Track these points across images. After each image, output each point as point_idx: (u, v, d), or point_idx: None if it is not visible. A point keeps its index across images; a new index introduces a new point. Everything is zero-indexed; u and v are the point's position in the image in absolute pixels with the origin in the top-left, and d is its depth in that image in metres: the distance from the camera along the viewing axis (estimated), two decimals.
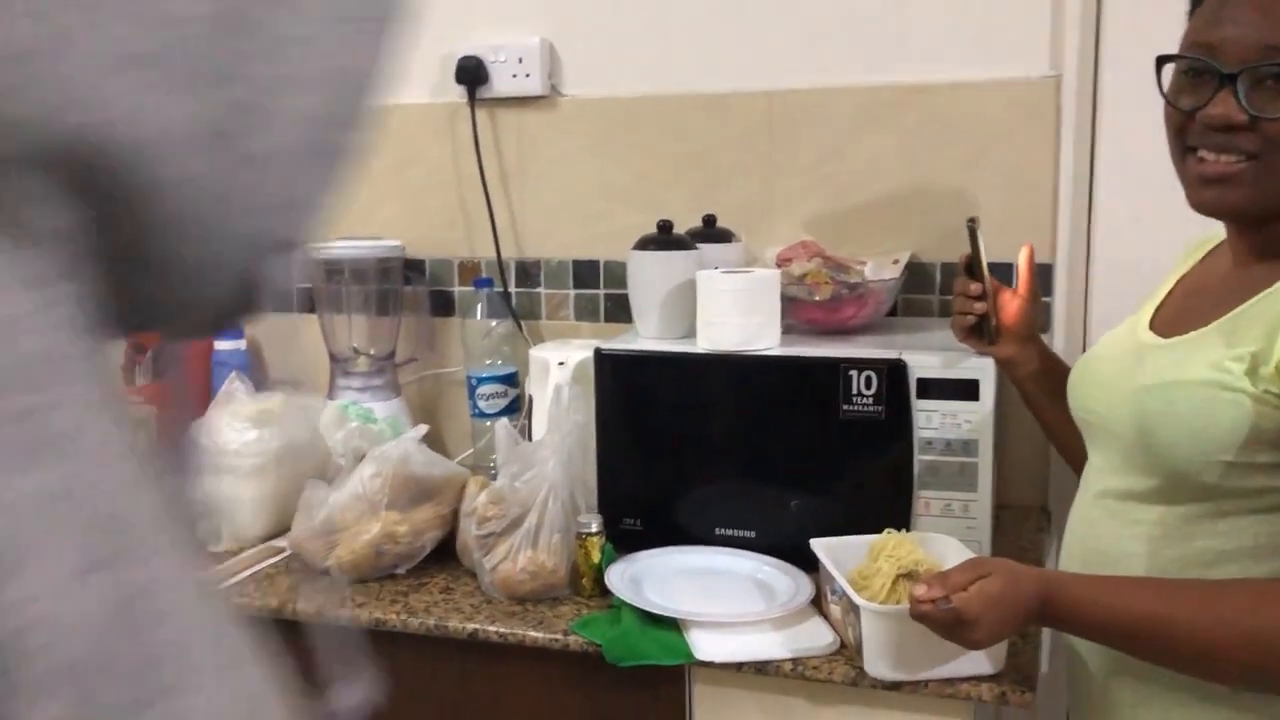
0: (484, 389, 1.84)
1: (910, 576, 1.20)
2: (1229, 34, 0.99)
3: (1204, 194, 1.03)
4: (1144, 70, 1.10)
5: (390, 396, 1.87)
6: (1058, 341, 1.64)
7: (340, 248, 1.85)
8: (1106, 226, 1.63)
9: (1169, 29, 1.08)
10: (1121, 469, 1.10)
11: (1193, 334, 1.06)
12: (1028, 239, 1.65)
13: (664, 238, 1.57)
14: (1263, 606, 0.94)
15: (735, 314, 1.45)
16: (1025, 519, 1.66)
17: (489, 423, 1.78)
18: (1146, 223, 1.55)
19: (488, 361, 1.84)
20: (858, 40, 1.74)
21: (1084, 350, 1.56)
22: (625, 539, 1.48)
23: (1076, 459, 1.26)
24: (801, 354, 1.44)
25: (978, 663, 1.17)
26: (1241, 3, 0.99)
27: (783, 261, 1.62)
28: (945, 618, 1.04)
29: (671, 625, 1.30)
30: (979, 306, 1.33)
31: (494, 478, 1.52)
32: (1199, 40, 1.02)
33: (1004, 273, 1.44)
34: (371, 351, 1.88)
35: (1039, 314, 1.38)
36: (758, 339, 1.46)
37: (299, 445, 1.64)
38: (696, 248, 1.58)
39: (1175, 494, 1.04)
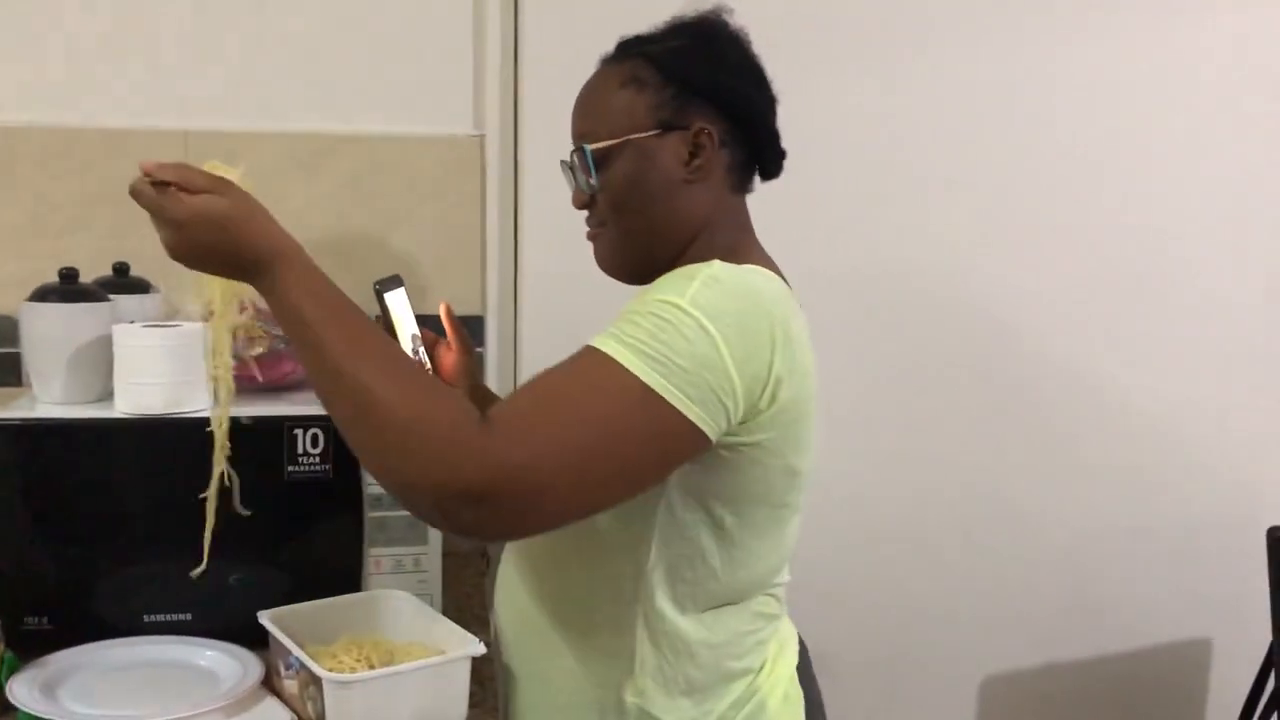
0: None
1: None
2: (570, 129, 1.16)
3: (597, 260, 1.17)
4: (561, 130, 1.18)
5: None
6: (491, 388, 1.70)
7: None
8: (533, 279, 1.72)
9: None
10: None
11: None
12: (459, 292, 1.71)
13: (68, 288, 1.37)
14: (378, 372, 0.89)
15: (161, 373, 1.31)
16: (466, 565, 1.69)
17: None
18: (572, 275, 1.66)
19: None
20: (281, 83, 1.68)
21: None
22: (30, 641, 1.26)
23: None
24: (240, 414, 1.34)
25: (441, 717, 1.16)
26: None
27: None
28: (150, 204, 0.95)
29: None
30: None
31: None
32: None
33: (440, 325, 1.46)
34: None
35: (475, 363, 1.42)
36: (188, 400, 1.33)
37: None
38: (109, 299, 1.41)
39: None
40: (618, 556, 1.06)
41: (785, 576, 1.16)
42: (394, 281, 1.35)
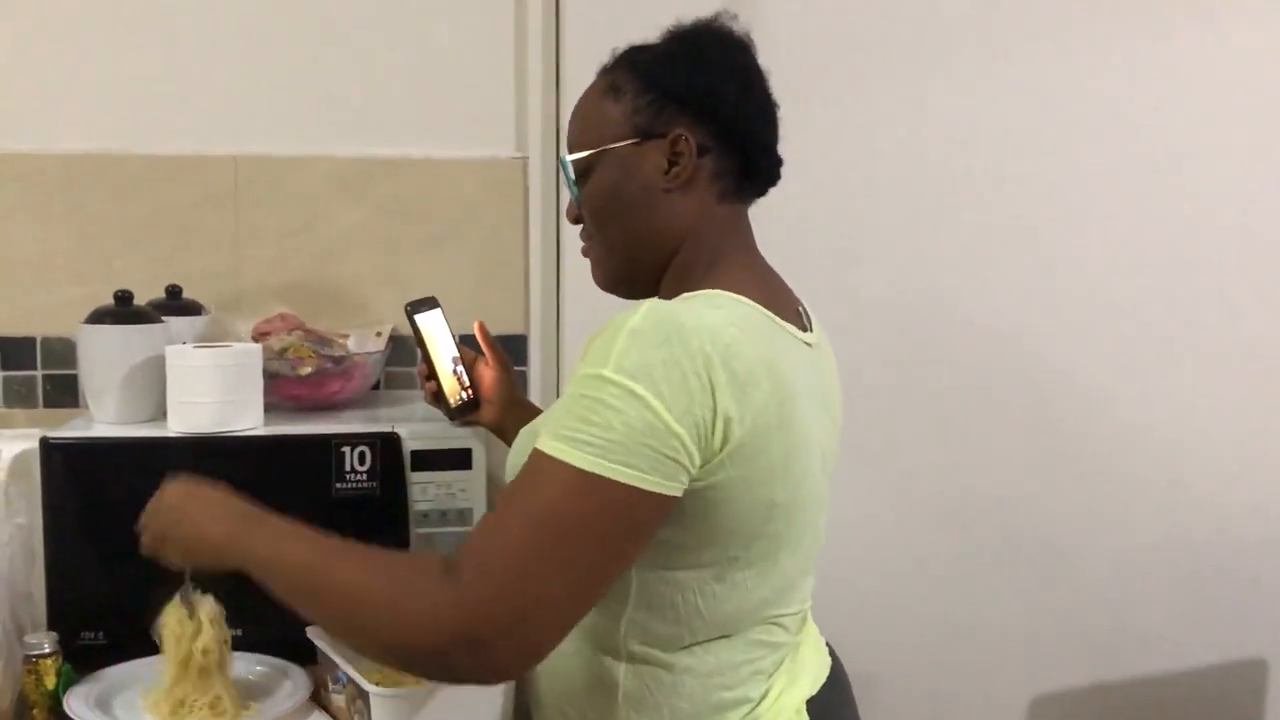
0: None
1: None
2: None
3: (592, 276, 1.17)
4: None
5: None
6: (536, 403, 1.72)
7: None
8: (574, 298, 1.74)
9: None
10: None
11: None
12: (503, 312, 1.73)
13: (122, 310, 1.41)
14: (342, 565, 0.94)
15: (212, 393, 1.34)
16: None
17: None
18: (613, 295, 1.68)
19: None
20: (326, 110, 1.71)
21: None
22: (86, 656, 1.29)
23: None
24: (289, 432, 1.37)
25: None
26: None
27: (261, 335, 1.53)
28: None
29: None
30: (430, 385, 1.37)
31: None
32: None
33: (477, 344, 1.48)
34: None
35: (513, 380, 1.43)
36: (239, 419, 1.36)
37: None
38: (161, 320, 1.44)
39: None
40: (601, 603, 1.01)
41: (794, 607, 1.09)
42: (428, 303, 1.37)
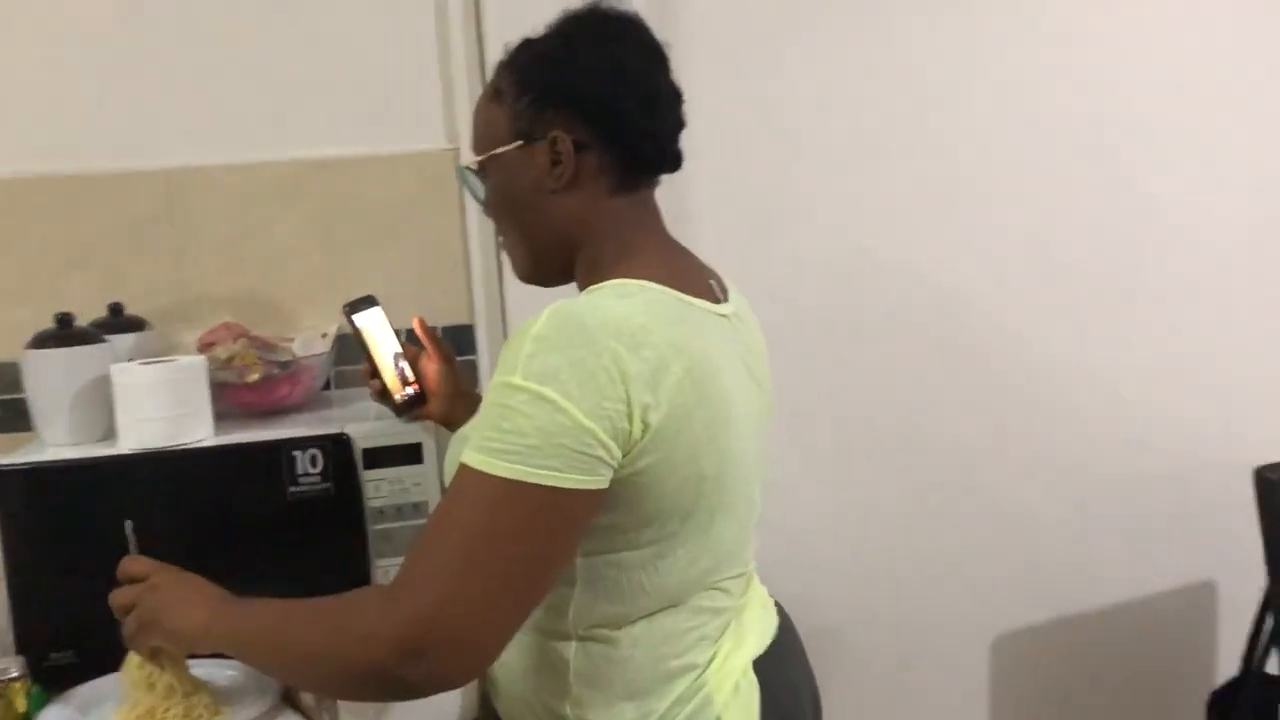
0: None
1: None
2: None
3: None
4: None
5: None
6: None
7: None
8: (518, 284, 1.74)
9: None
10: None
11: None
12: (447, 304, 1.75)
13: (65, 332, 1.42)
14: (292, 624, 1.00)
15: (161, 407, 1.36)
16: None
17: None
18: None
19: None
20: (256, 116, 1.72)
21: None
22: (58, 676, 1.31)
23: None
24: (241, 440, 1.39)
25: (449, 716, 1.20)
26: None
27: (205, 346, 1.54)
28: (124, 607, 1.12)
29: None
30: (375, 383, 1.40)
31: None
32: None
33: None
34: None
35: (458, 372, 1.45)
36: (189, 431, 1.38)
37: None
38: (105, 340, 1.45)
39: None
40: None
41: (735, 570, 1.12)
42: (366, 302, 1.39)
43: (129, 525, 1.24)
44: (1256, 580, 1.80)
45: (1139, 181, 1.96)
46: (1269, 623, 1.75)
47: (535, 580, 0.94)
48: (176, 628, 1.08)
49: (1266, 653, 1.75)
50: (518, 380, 0.92)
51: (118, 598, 1.13)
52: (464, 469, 0.93)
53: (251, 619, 1.03)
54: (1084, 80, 1.92)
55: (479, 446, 0.92)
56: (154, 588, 1.11)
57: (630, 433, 0.94)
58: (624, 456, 0.94)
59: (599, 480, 0.93)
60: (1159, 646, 2.11)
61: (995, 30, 1.89)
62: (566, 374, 0.91)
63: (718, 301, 1.12)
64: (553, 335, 0.93)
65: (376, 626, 0.90)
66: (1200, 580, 2.10)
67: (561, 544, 0.95)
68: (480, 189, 1.15)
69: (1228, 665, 2.03)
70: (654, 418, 0.94)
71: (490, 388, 0.95)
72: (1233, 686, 1.87)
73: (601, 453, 0.92)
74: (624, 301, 0.99)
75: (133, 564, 1.15)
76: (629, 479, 0.96)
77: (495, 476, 0.91)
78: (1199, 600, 2.11)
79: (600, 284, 1.05)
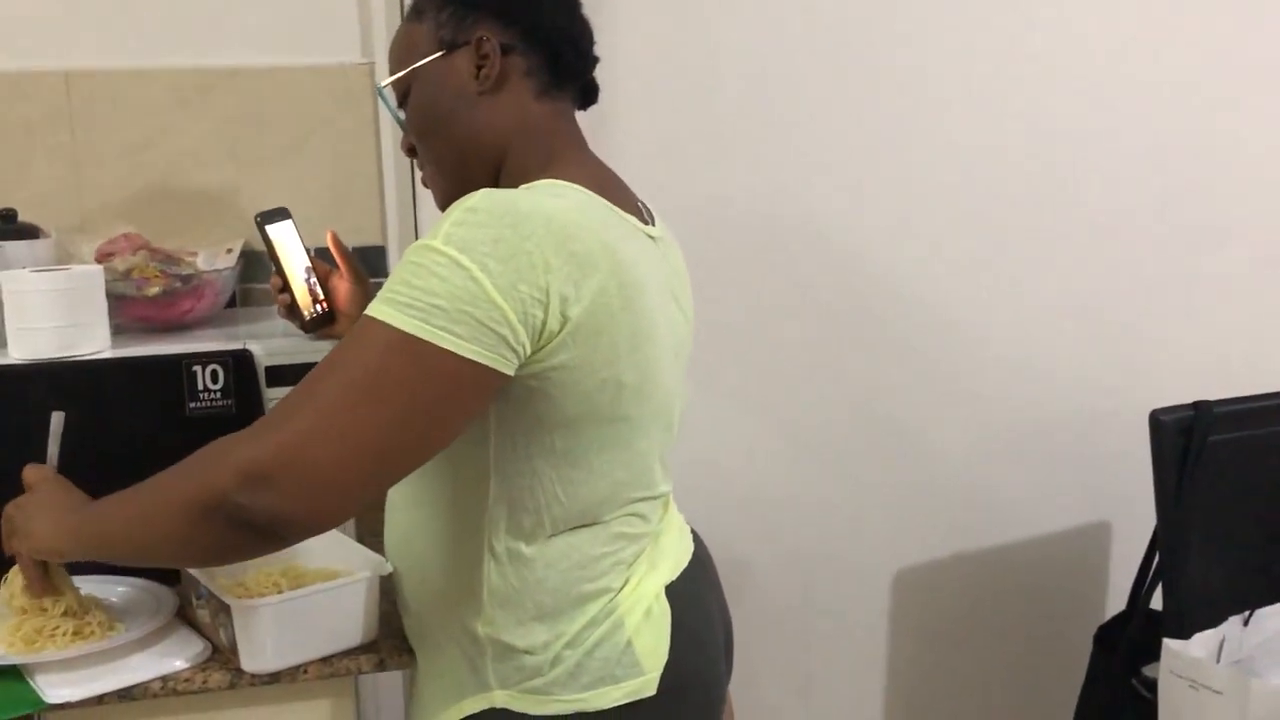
0: None
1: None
2: None
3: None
4: None
5: None
6: None
7: None
8: (430, 206, 1.72)
9: None
10: None
11: None
12: (359, 222, 1.72)
13: None
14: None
15: (54, 317, 1.31)
16: None
17: None
18: None
19: None
20: (163, 20, 1.65)
21: None
22: None
23: None
24: (137, 354, 1.35)
25: (349, 637, 1.19)
26: None
27: (104, 256, 1.49)
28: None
29: (12, 674, 1.15)
30: (283, 298, 1.38)
31: None
32: None
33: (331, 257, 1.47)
34: None
35: (369, 292, 1.42)
36: (84, 342, 1.34)
37: None
38: None
39: None
40: (462, 495, 1.05)
41: (654, 491, 1.13)
42: (279, 214, 1.36)
43: (58, 417, 1.21)
44: (1150, 522, 1.85)
45: (1041, 125, 1.98)
46: (1156, 561, 1.81)
47: (406, 442, 0.91)
48: (44, 531, 1.07)
49: (1152, 590, 1.82)
50: (437, 244, 0.91)
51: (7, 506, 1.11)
52: (364, 318, 0.92)
53: (115, 503, 1.02)
54: (1003, 21, 1.93)
55: (384, 298, 0.91)
56: (32, 493, 1.10)
57: (545, 324, 0.93)
58: (536, 349, 0.94)
59: (499, 361, 0.92)
60: (1055, 582, 2.18)
61: None
62: (488, 248, 0.90)
63: (645, 223, 1.12)
64: (484, 211, 0.92)
65: (229, 453, 0.89)
66: (1097, 520, 2.17)
67: (442, 415, 0.92)
68: (396, 113, 1.14)
69: (1117, 601, 2.10)
70: (574, 311, 0.94)
71: (409, 249, 0.93)
72: (1119, 620, 1.94)
73: (506, 332, 0.91)
74: (557, 199, 0.99)
75: (28, 472, 1.13)
76: (544, 373, 0.96)
77: (393, 328, 0.89)
78: (1095, 539, 2.18)
79: (531, 185, 1.04)
